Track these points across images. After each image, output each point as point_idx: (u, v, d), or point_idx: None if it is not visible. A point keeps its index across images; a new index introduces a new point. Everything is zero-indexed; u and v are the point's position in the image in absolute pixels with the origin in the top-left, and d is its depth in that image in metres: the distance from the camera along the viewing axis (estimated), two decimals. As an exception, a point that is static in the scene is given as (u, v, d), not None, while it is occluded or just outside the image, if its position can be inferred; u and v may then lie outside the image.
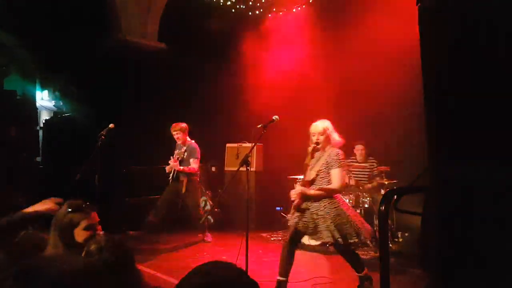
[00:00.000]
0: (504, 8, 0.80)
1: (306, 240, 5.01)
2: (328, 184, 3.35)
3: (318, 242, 5.11)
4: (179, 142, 5.32)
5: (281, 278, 3.27)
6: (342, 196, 5.35)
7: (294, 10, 6.40)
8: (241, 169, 3.06)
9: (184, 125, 5.34)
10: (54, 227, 1.95)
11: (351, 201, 5.31)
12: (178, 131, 5.27)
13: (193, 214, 5.35)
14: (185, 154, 5.26)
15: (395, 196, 1.20)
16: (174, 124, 5.34)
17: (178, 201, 5.33)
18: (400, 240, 5.09)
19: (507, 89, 0.82)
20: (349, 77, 5.58)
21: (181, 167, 5.17)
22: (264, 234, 5.70)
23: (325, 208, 3.31)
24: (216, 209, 6.50)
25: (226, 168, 6.87)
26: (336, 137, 3.51)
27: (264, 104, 5.05)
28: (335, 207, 3.31)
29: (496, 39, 0.81)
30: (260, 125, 3.20)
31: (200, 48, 6.96)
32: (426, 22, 0.95)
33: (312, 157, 3.47)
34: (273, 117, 3.26)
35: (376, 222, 5.24)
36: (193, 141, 5.41)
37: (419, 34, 0.96)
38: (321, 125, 3.48)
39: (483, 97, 0.86)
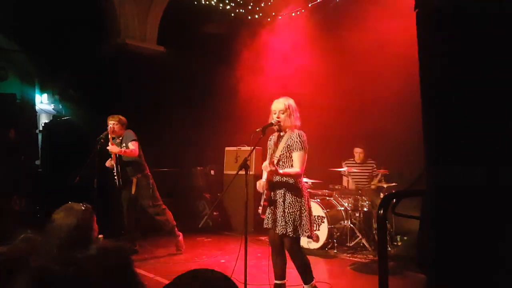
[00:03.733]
0: (504, 14, 0.81)
1: (305, 243, 5.01)
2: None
3: (317, 246, 5.14)
4: (112, 134, 4.72)
5: (278, 282, 3.24)
6: (341, 200, 5.42)
7: (293, 14, 6.42)
8: (240, 172, 3.06)
9: (123, 118, 4.82)
10: (52, 231, 1.93)
11: (350, 205, 5.32)
12: (117, 121, 4.73)
13: (152, 214, 4.84)
14: (123, 145, 4.76)
15: (394, 200, 1.20)
16: (114, 115, 4.79)
17: (137, 205, 4.88)
18: (399, 243, 5.09)
19: (505, 95, 0.83)
20: (348, 80, 5.60)
21: (122, 149, 4.64)
22: (263, 238, 5.68)
23: (290, 196, 3.09)
24: (215, 213, 6.50)
25: (225, 172, 6.87)
26: (297, 118, 3.21)
27: (263, 108, 5.07)
28: (298, 198, 3.08)
29: (496, 45, 0.82)
30: (258, 129, 3.18)
31: (199, 52, 6.99)
32: (424, 28, 0.96)
33: (277, 145, 3.18)
34: (271, 121, 3.25)
35: (375, 225, 5.25)
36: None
37: (417, 40, 0.97)
38: (283, 102, 3.17)
39: (479, 102, 0.87)
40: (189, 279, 0.88)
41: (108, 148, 4.66)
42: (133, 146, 4.70)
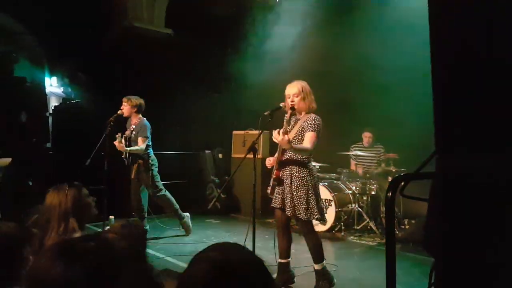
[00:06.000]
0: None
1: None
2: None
3: (324, 228, 5.19)
4: (124, 114, 4.76)
5: (282, 260, 3.31)
6: (348, 183, 5.43)
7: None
8: (248, 156, 3.07)
9: (135, 99, 4.80)
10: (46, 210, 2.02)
11: (357, 189, 5.33)
12: (126, 102, 4.74)
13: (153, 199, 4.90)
14: (133, 133, 4.77)
15: (402, 183, 1.20)
16: (128, 96, 4.83)
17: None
18: (407, 227, 5.11)
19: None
20: (358, 62, 5.52)
21: (127, 148, 4.63)
22: (270, 220, 5.75)
23: (296, 179, 3.11)
24: (223, 196, 6.58)
25: (233, 155, 6.91)
26: (312, 100, 3.19)
27: (270, 91, 5.04)
28: (305, 182, 3.11)
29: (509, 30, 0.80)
30: (266, 112, 3.17)
31: (207, 33, 6.91)
32: (435, 12, 0.94)
33: (288, 125, 3.17)
34: (280, 104, 3.24)
35: (383, 209, 5.27)
36: (144, 118, 4.85)
37: (429, 23, 0.94)
38: (296, 86, 3.16)
39: (491, 88, 0.85)
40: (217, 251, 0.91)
41: (115, 143, 4.65)
42: (142, 143, 4.71)
